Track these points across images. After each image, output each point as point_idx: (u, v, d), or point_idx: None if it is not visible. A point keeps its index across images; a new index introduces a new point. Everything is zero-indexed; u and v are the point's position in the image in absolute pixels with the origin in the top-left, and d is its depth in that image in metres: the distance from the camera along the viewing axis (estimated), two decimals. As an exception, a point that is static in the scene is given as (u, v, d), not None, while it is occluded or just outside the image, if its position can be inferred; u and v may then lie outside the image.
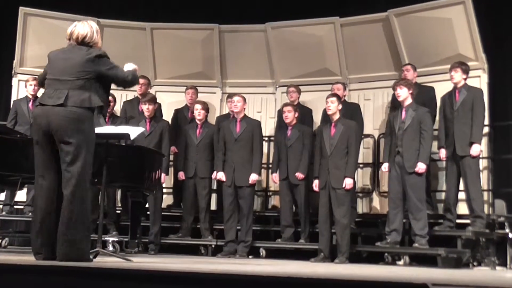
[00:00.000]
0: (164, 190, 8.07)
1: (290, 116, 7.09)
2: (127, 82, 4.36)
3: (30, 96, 7.52)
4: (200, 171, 7.33)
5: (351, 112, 7.31)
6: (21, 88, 8.17)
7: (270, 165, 7.89)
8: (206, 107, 7.49)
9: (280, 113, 7.86)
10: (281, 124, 7.64)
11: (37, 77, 7.58)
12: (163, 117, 7.95)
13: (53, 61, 4.24)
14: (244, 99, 7.23)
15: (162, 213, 7.64)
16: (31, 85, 7.50)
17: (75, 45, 4.26)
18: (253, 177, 6.98)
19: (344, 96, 7.54)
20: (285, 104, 7.34)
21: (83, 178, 4.04)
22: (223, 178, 7.04)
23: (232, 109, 7.39)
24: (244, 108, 7.24)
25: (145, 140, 6.91)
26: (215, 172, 7.31)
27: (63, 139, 4.02)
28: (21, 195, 7.43)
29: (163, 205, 8.10)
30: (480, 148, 6.37)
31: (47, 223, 4.05)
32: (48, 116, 4.05)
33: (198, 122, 7.44)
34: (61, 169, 4.05)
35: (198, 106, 7.44)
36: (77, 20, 4.45)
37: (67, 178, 4.01)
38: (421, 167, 6.23)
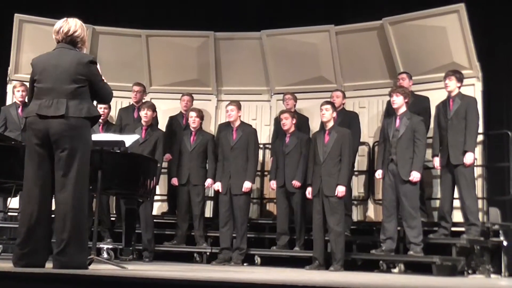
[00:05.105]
0: (159, 198, 8.07)
1: (287, 123, 7.09)
2: (107, 100, 4.37)
3: (18, 102, 7.48)
4: (193, 178, 7.33)
5: (349, 120, 7.32)
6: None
7: (266, 172, 7.89)
8: (201, 114, 7.49)
9: (276, 120, 7.88)
10: (278, 132, 7.64)
11: (24, 82, 7.65)
12: (159, 124, 7.96)
13: (43, 67, 4.12)
14: (238, 107, 7.20)
15: (157, 221, 7.64)
16: (18, 91, 7.47)
17: (62, 46, 4.17)
18: (247, 185, 6.96)
19: (343, 104, 7.56)
20: (283, 111, 7.34)
21: (80, 184, 4.00)
22: (220, 189, 7.04)
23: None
24: (239, 116, 7.24)
25: (139, 147, 6.89)
26: (208, 179, 7.31)
27: (61, 146, 3.98)
28: (15, 202, 7.40)
29: (158, 213, 8.11)
30: (473, 157, 6.38)
31: (37, 230, 3.98)
32: (48, 125, 3.99)
33: (192, 129, 7.44)
34: (55, 176, 4.01)
35: (193, 114, 7.44)
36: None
37: (64, 184, 3.96)
38: (415, 175, 6.24)
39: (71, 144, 3.98)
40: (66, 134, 3.98)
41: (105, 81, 4.24)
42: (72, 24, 4.22)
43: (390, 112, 6.97)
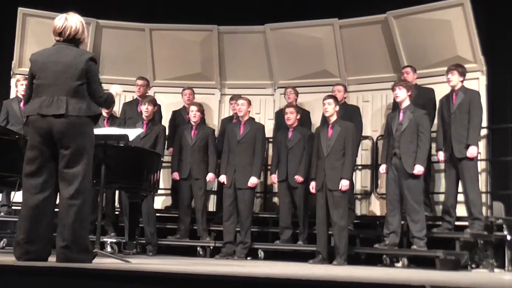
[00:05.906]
0: (163, 192, 8.08)
1: (292, 117, 7.08)
2: (100, 103, 4.22)
3: (21, 96, 7.45)
4: (194, 172, 7.33)
5: (351, 114, 7.31)
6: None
7: (269, 167, 7.89)
8: (201, 109, 7.49)
9: (279, 114, 7.87)
10: (279, 126, 7.64)
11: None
12: (163, 118, 7.95)
13: (42, 64, 4.10)
14: (249, 102, 7.20)
15: (161, 215, 7.65)
16: (22, 84, 7.41)
17: (61, 43, 4.15)
18: (253, 180, 6.96)
19: (345, 98, 7.54)
20: (288, 105, 7.33)
21: (85, 181, 4.02)
22: (225, 181, 7.04)
23: (236, 112, 7.39)
24: (249, 111, 7.23)
25: (140, 142, 6.87)
26: (210, 174, 7.31)
27: (65, 144, 4.00)
28: (19, 196, 7.41)
29: (162, 207, 8.12)
30: (477, 150, 6.36)
31: (39, 224, 3.99)
32: (50, 124, 3.99)
33: (193, 123, 7.44)
34: (59, 173, 4.02)
35: (193, 108, 7.43)
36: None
37: (68, 181, 3.98)
38: (418, 169, 6.22)
39: (75, 142, 4.00)
40: (69, 133, 3.99)
41: (99, 82, 4.23)
42: (73, 24, 4.17)
43: (396, 106, 6.95)
